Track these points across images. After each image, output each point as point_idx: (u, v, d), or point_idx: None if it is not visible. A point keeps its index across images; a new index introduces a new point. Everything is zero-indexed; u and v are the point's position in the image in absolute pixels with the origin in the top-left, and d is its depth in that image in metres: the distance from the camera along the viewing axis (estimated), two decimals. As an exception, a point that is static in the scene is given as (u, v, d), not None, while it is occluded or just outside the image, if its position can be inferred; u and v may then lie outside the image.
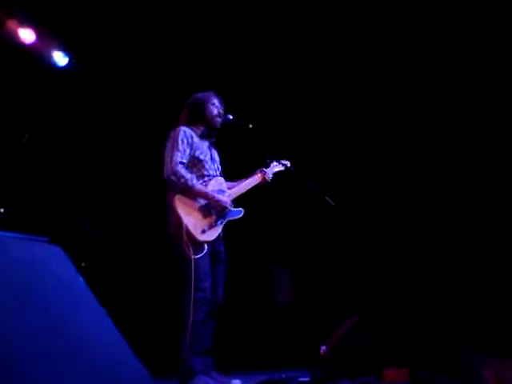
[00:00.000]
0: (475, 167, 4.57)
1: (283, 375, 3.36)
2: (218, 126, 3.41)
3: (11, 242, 1.89)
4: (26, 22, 4.70)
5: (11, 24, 4.67)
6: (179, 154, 3.16)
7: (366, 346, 3.33)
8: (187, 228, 3.04)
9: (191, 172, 3.20)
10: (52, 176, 5.01)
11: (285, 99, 5.35)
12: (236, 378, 3.21)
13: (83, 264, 3.75)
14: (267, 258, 5.45)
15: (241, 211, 3.34)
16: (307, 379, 3.24)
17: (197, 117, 3.37)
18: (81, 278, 1.82)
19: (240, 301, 4.66)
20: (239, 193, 3.40)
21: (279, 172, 3.61)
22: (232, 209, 3.29)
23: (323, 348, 3.40)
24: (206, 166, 3.30)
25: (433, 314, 4.17)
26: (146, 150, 4.80)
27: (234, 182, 3.52)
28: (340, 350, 3.32)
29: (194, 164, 3.25)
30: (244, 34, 5.12)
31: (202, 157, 3.28)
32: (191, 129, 3.33)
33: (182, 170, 3.12)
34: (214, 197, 3.20)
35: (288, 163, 3.60)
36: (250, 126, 3.44)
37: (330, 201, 3.41)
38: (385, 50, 5.00)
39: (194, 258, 3.02)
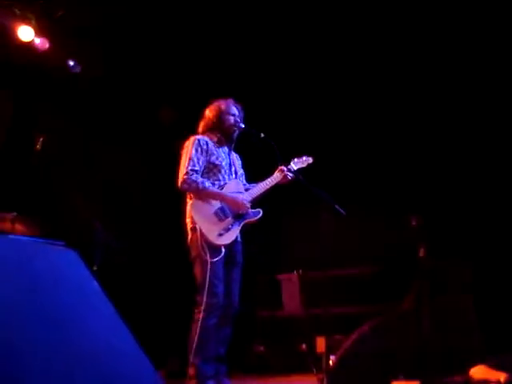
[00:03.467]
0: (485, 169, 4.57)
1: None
2: (236, 134, 3.46)
3: (28, 246, 1.91)
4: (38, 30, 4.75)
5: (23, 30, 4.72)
6: (191, 163, 3.22)
7: (376, 357, 3.30)
8: (201, 231, 3.08)
9: (208, 178, 3.26)
10: (67, 180, 5.05)
11: (298, 106, 5.38)
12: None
13: (95, 268, 3.78)
14: (274, 267, 5.43)
15: (259, 212, 3.33)
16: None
17: (213, 127, 3.42)
18: (96, 283, 1.83)
19: (247, 308, 4.65)
20: (258, 193, 3.37)
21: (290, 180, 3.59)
22: (250, 210, 3.30)
23: (332, 358, 3.39)
24: (222, 171, 3.33)
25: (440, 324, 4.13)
26: (164, 156, 4.83)
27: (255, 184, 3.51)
28: (349, 361, 3.30)
29: (210, 169, 3.31)
30: (261, 42, 5.16)
31: (217, 162, 3.32)
32: (207, 136, 3.38)
33: (192, 176, 3.17)
34: (226, 196, 3.22)
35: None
36: (262, 135, 3.45)
37: (340, 210, 3.41)
38: (399, 54, 5.01)
39: (211, 262, 3.05)
